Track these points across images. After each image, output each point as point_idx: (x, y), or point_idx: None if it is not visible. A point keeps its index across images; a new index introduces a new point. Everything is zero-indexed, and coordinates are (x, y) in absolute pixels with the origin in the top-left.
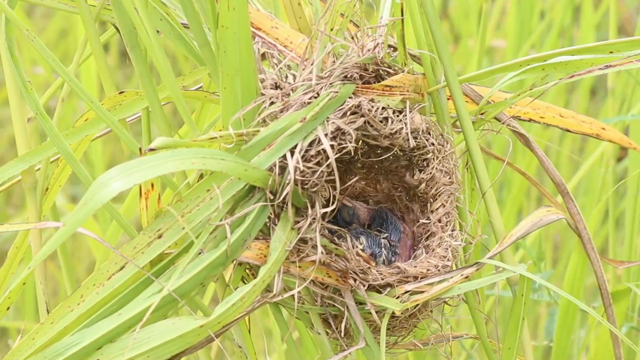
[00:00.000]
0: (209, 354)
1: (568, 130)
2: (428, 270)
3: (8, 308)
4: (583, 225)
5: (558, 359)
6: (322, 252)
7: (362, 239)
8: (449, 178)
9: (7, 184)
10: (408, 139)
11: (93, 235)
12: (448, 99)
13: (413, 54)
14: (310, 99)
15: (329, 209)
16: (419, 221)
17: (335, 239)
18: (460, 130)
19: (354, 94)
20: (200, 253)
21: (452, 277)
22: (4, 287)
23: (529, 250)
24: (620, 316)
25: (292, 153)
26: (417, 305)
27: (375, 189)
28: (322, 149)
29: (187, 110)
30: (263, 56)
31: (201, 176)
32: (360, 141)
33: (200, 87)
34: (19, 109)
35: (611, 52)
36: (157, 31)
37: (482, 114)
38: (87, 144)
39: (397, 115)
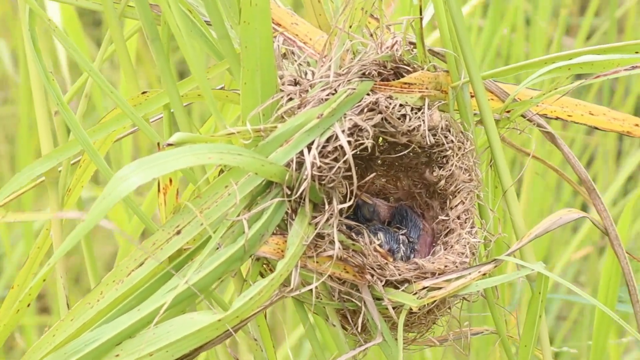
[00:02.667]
0: (224, 348)
1: (597, 128)
2: (446, 266)
3: (28, 305)
4: (610, 222)
5: None
6: (339, 248)
7: (380, 235)
8: (469, 175)
9: (32, 184)
10: (426, 136)
11: (115, 228)
12: (472, 97)
13: (435, 51)
14: (327, 95)
15: (346, 205)
16: (438, 218)
17: (353, 234)
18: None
19: (371, 90)
20: (218, 248)
21: (469, 274)
22: (25, 286)
23: None
24: None
25: (309, 149)
26: (435, 301)
27: (396, 186)
28: (339, 145)
29: (214, 101)
30: (284, 55)
31: (220, 172)
32: (380, 138)
33: (222, 87)
34: (41, 105)
35: (637, 52)
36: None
37: (507, 111)
38: (110, 144)
39: (416, 113)
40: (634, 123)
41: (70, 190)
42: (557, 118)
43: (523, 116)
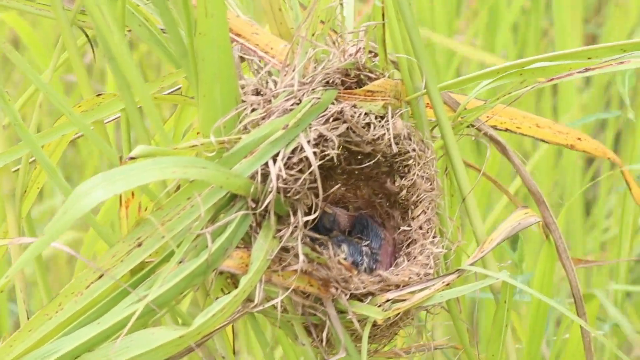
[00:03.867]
0: None
1: (543, 141)
2: (410, 278)
3: None
4: (559, 234)
5: None
6: (304, 261)
7: (344, 247)
8: (430, 184)
9: None
10: (390, 145)
11: (68, 249)
12: (427, 106)
13: (393, 60)
14: (292, 105)
15: (311, 217)
16: (399, 228)
17: (317, 247)
18: (438, 136)
19: (336, 99)
20: (181, 262)
21: (433, 285)
22: None
23: (509, 251)
24: (592, 320)
25: (275, 161)
26: (399, 313)
27: (356, 194)
28: (305, 156)
29: (159, 119)
30: (242, 59)
31: (178, 187)
32: (341, 147)
33: (179, 88)
34: None
35: (589, 58)
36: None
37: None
38: (65, 145)
39: (379, 121)
40: (576, 137)
41: (27, 193)
42: (506, 129)
43: (475, 127)
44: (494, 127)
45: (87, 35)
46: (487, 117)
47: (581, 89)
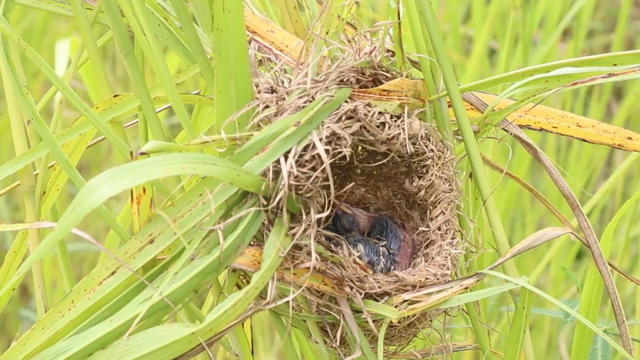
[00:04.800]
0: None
1: (585, 141)
2: (427, 279)
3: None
4: (594, 239)
5: None
6: (317, 259)
7: (360, 246)
8: (449, 185)
9: (7, 188)
10: (406, 145)
11: (86, 236)
12: (449, 106)
13: (413, 60)
14: (305, 102)
15: (323, 215)
16: (418, 229)
17: (332, 246)
18: (461, 137)
19: (350, 98)
20: (192, 259)
21: (451, 287)
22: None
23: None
24: None
25: (286, 158)
26: (416, 314)
27: (375, 196)
28: (317, 154)
29: (184, 111)
30: (260, 62)
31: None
32: (360, 147)
33: (198, 92)
34: (17, 113)
35: (615, 65)
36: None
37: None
38: (83, 149)
39: (395, 121)
40: (626, 136)
41: (46, 194)
42: (541, 129)
43: (502, 128)
44: (528, 127)
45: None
46: (520, 115)
47: None
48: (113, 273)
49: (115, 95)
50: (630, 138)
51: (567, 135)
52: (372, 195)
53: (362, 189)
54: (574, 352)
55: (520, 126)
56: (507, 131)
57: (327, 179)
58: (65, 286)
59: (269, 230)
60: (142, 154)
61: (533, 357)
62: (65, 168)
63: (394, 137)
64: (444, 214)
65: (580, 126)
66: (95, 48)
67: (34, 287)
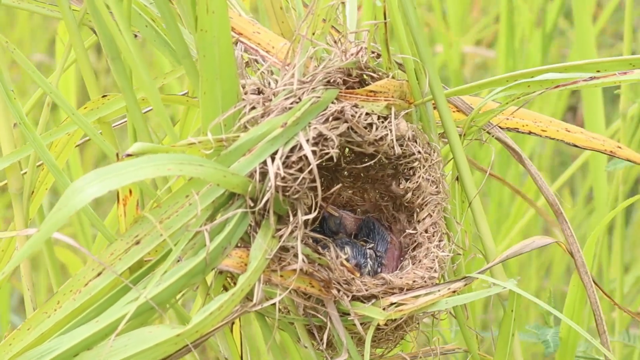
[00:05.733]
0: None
1: (575, 146)
2: (414, 281)
3: None
4: (577, 248)
5: None
6: (303, 261)
7: (347, 248)
8: (436, 187)
9: None
10: (393, 146)
11: (69, 240)
12: (434, 108)
13: (398, 62)
14: (291, 103)
15: (311, 217)
16: (405, 231)
17: (319, 248)
18: (447, 140)
19: (337, 99)
20: (179, 260)
21: (439, 290)
22: None
23: None
24: None
25: (273, 159)
26: (403, 316)
27: (363, 198)
28: (304, 155)
29: (166, 114)
30: (247, 64)
31: (170, 190)
32: (347, 149)
33: (186, 93)
34: (4, 116)
35: (598, 71)
36: (135, 36)
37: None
38: (70, 151)
39: (382, 122)
40: (615, 145)
41: (34, 193)
42: (530, 132)
43: (488, 132)
44: (516, 130)
45: (96, 34)
46: (507, 118)
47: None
48: (99, 274)
49: (103, 96)
50: (619, 147)
51: (558, 140)
52: (359, 197)
53: (349, 191)
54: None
55: (508, 129)
56: (489, 133)
57: (314, 181)
58: (53, 287)
59: (256, 232)
60: (128, 155)
61: None
62: (52, 170)
63: (381, 138)
64: (431, 216)
65: (569, 131)
66: (83, 49)
67: (23, 288)
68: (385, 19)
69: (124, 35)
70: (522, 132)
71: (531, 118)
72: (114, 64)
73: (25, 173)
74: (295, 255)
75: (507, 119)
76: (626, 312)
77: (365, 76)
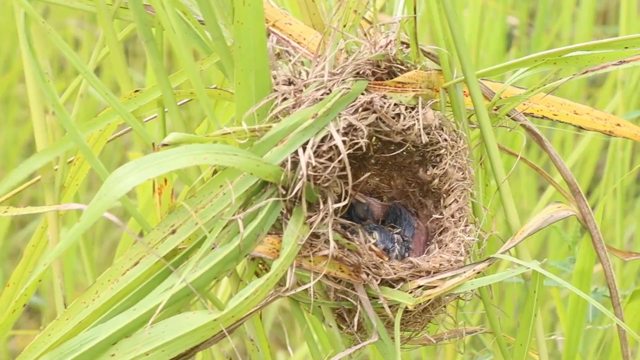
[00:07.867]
0: (219, 350)
1: (581, 128)
2: (441, 265)
3: (24, 305)
4: (594, 224)
5: (569, 355)
6: (334, 247)
7: (375, 234)
8: (462, 174)
9: (28, 183)
10: (420, 135)
11: (116, 220)
12: (464, 95)
13: (427, 51)
14: (322, 95)
15: (341, 204)
16: (432, 217)
17: (348, 233)
18: (475, 125)
19: (366, 90)
20: (213, 248)
21: (464, 272)
22: (21, 285)
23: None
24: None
25: (304, 149)
26: (430, 300)
27: (389, 185)
28: (334, 145)
29: (208, 99)
30: (278, 55)
31: (214, 172)
32: (374, 137)
33: (215, 87)
34: (37, 104)
35: (626, 48)
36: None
37: (495, 109)
38: (103, 144)
39: (410, 112)
40: (615, 123)
41: (65, 188)
42: (543, 117)
43: (511, 117)
44: (531, 115)
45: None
46: (524, 104)
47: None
48: (136, 263)
49: (136, 91)
50: (619, 124)
51: (567, 123)
52: (386, 184)
53: (376, 179)
54: (569, 321)
55: (525, 114)
56: (515, 120)
57: (344, 169)
58: (88, 278)
59: (288, 219)
60: (165, 145)
61: (544, 341)
62: (88, 159)
63: (409, 127)
64: (457, 201)
65: (576, 113)
66: (116, 42)
67: (53, 277)
68: (415, 13)
69: (170, 16)
70: (537, 117)
71: (545, 102)
72: (147, 46)
73: (57, 169)
74: (326, 242)
75: (525, 105)
76: None
77: (393, 68)
